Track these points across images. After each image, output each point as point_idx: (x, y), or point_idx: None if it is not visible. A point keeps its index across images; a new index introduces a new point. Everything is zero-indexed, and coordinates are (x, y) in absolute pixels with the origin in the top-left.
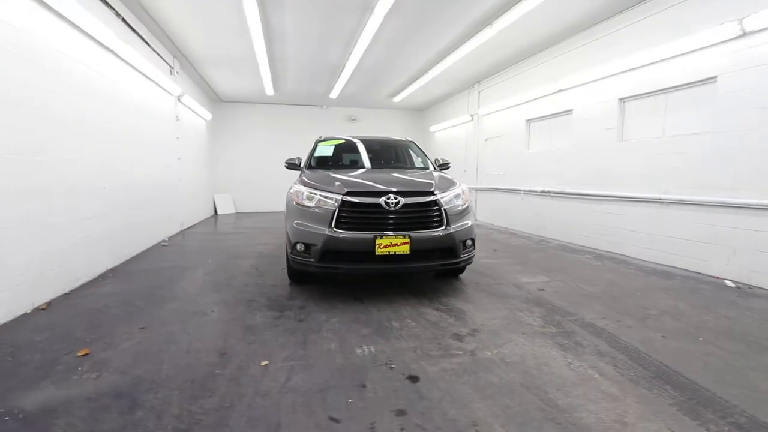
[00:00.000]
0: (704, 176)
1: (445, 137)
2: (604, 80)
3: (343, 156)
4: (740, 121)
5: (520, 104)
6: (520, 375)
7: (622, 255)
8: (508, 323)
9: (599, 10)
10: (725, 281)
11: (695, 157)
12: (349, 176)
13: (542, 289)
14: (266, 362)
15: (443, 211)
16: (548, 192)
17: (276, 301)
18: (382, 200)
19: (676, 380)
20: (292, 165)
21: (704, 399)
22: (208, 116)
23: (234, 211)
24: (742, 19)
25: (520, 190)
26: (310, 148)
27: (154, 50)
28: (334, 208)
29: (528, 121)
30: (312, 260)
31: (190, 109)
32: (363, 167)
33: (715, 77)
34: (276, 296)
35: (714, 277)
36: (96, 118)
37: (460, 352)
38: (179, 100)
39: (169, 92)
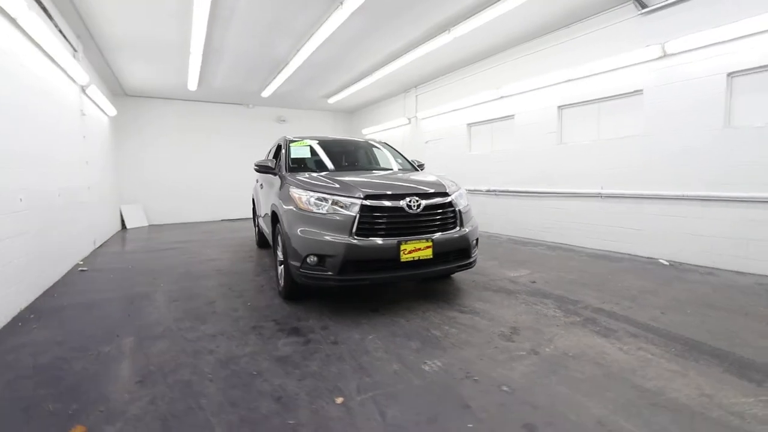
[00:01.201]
0: (634, 173)
1: (381, 140)
2: (544, 89)
3: (322, 158)
4: (662, 126)
5: (461, 109)
6: (594, 366)
7: (568, 245)
8: (536, 317)
9: (538, 26)
10: (660, 260)
11: (626, 157)
12: (350, 178)
13: (534, 281)
14: (341, 399)
15: (458, 212)
16: (494, 191)
17: (287, 324)
18: (403, 203)
19: (705, 349)
20: (265, 168)
21: (739, 363)
22: (113, 112)
23: (146, 224)
24: (664, 43)
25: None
26: (273, 149)
27: (56, 26)
28: (354, 214)
29: (469, 124)
30: (329, 273)
31: (94, 102)
32: (349, 169)
33: (642, 90)
34: (282, 318)
35: (648, 258)
36: None
37: (523, 353)
38: (84, 90)
39: (74, 80)
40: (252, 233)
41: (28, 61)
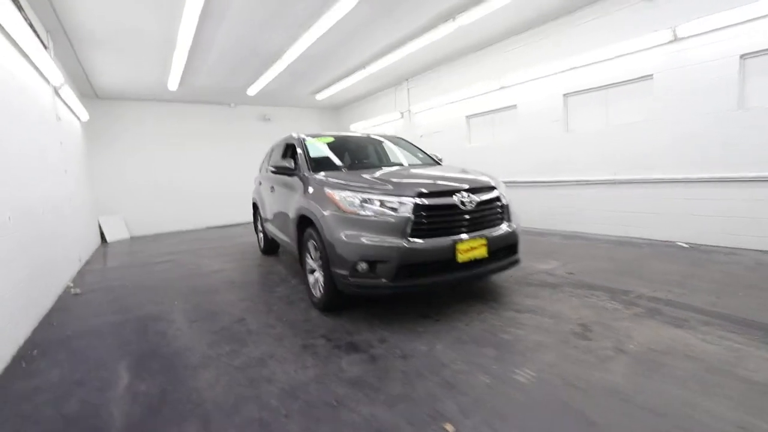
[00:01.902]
0: (647, 158)
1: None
2: (548, 77)
3: (345, 155)
4: (674, 110)
5: (458, 101)
6: (689, 361)
7: (582, 233)
8: (597, 311)
9: (540, 14)
10: (678, 243)
11: (638, 142)
12: (390, 176)
13: (571, 273)
14: (450, 425)
15: (506, 206)
16: None
17: (340, 340)
18: (456, 200)
19: None
20: (285, 170)
21: None
22: (85, 116)
23: (128, 236)
24: (675, 27)
25: None
26: (281, 149)
27: (26, 19)
28: (407, 215)
29: (468, 116)
30: (383, 280)
31: (67, 105)
32: (372, 166)
33: (652, 75)
34: (330, 333)
35: (666, 241)
36: None
37: (610, 352)
38: (57, 92)
39: (47, 80)
40: (252, 239)
41: (3, 57)
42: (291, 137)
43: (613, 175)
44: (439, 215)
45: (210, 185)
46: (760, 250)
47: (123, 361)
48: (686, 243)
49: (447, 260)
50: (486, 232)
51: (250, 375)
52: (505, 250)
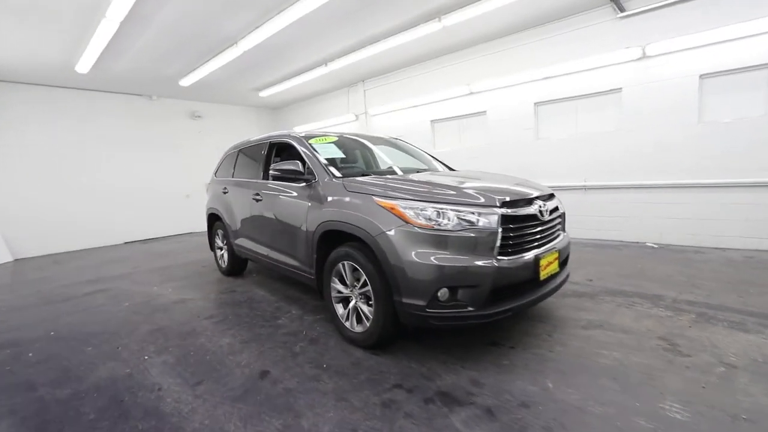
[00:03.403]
0: (615, 165)
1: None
2: (520, 86)
3: (358, 159)
4: (641, 122)
5: (423, 105)
6: None
7: None
8: (659, 321)
9: (511, 24)
10: (647, 243)
11: (606, 151)
12: (443, 181)
13: (591, 280)
14: None
15: (564, 215)
16: None
17: (422, 389)
18: (534, 209)
19: None
20: (294, 173)
21: None
22: None
23: (11, 259)
24: (645, 46)
25: None
26: (264, 151)
27: None
28: (494, 227)
29: (433, 121)
30: (470, 309)
31: None
32: (387, 172)
33: (621, 88)
34: (402, 380)
35: (636, 242)
36: None
37: (723, 368)
38: None
39: None
40: (198, 256)
41: None
42: (285, 135)
43: (583, 182)
44: (523, 227)
45: (127, 192)
46: (717, 248)
47: None
48: (654, 243)
49: (531, 279)
50: (556, 243)
51: None
52: (563, 262)
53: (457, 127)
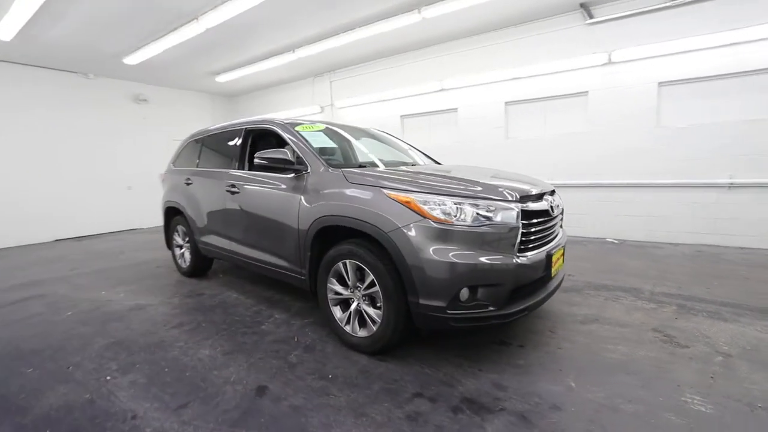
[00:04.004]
0: (579, 165)
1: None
2: (491, 84)
3: (349, 150)
4: (605, 124)
5: (393, 99)
6: None
7: None
8: (646, 313)
9: (485, 22)
10: (607, 239)
11: (572, 151)
12: (451, 173)
13: (571, 275)
14: None
15: (563, 211)
16: None
17: (446, 396)
18: (546, 205)
19: None
20: (282, 163)
21: None
22: None
23: None
24: (611, 52)
25: None
26: (238, 139)
27: None
28: (514, 224)
29: (403, 116)
30: (491, 309)
31: None
32: (393, 164)
33: (587, 91)
34: (421, 388)
35: (598, 238)
36: None
37: (722, 358)
38: None
39: None
40: (147, 255)
41: None
42: (266, 121)
43: (549, 181)
44: (539, 223)
45: (56, 183)
46: (671, 243)
47: None
48: (615, 239)
49: (542, 276)
50: (560, 239)
51: None
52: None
53: (427, 123)
